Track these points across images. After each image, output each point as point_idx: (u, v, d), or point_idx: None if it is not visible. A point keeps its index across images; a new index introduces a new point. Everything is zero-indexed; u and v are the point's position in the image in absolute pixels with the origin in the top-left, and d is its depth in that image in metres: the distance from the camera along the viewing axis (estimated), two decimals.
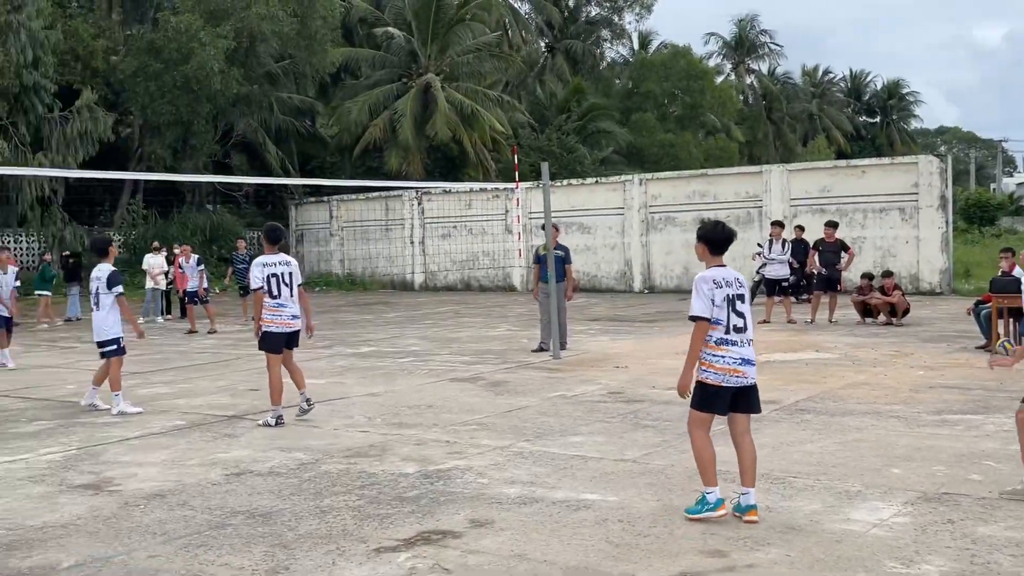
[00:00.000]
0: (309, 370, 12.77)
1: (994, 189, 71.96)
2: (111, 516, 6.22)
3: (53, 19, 29.54)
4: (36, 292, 21.50)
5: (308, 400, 9.48)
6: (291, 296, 9.31)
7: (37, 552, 5.50)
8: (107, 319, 10.16)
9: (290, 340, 9.43)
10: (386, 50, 38.10)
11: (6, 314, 14.03)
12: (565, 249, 14.56)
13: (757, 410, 6.00)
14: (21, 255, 31.70)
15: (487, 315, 21.77)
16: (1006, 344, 13.01)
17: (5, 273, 14.24)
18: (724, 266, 5.98)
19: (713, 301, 5.78)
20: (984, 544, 5.24)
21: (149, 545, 5.60)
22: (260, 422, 9.16)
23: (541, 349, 14.29)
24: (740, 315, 5.83)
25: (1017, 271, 13.50)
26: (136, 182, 33.39)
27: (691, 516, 5.78)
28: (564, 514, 6.01)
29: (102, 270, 10.20)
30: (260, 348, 9.42)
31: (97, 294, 10.17)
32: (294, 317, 9.34)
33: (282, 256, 9.48)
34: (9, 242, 30.80)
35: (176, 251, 21.57)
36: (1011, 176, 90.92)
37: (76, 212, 31.84)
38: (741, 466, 5.92)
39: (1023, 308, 12.95)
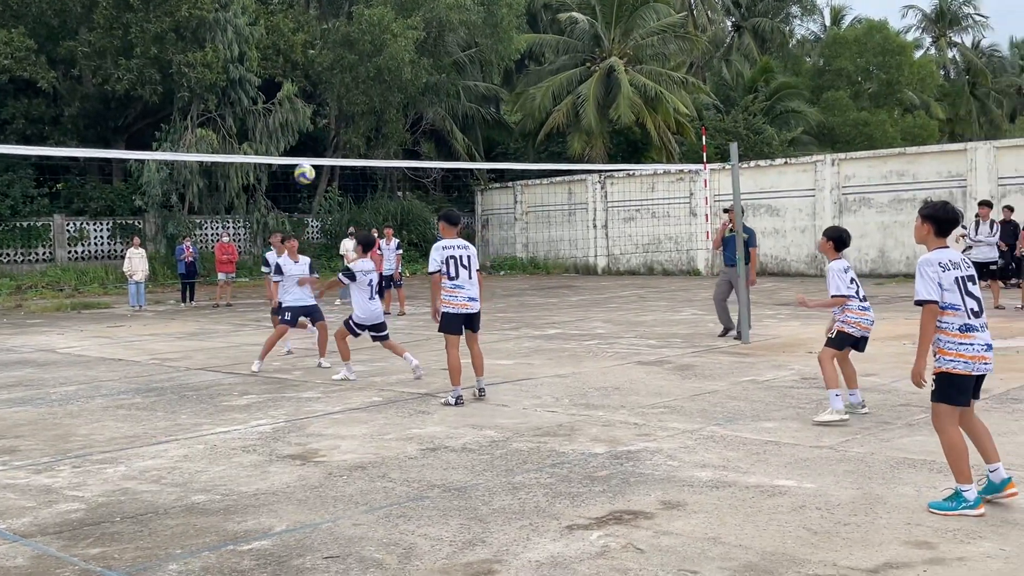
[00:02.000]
0: (496, 351, 13.06)
1: None
2: (317, 485, 6.55)
3: (256, 15, 31.18)
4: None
5: (482, 389, 9.59)
6: (469, 279, 9.38)
7: (251, 517, 5.86)
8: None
9: (469, 322, 9.51)
10: (570, 35, 38.20)
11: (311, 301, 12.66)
12: (751, 232, 14.23)
13: (977, 396, 5.68)
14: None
15: (671, 299, 21.56)
16: None
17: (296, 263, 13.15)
18: (947, 247, 5.65)
19: (941, 284, 5.46)
20: None
21: (353, 514, 5.86)
22: (442, 401, 9.41)
23: (726, 332, 14.04)
24: (975, 298, 5.53)
25: None
26: (332, 171, 34.89)
27: (943, 512, 5.45)
28: (758, 499, 5.90)
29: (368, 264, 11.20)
30: (439, 330, 9.53)
31: (370, 285, 11.05)
32: (471, 299, 9.39)
33: (460, 240, 9.59)
34: (218, 227, 32.83)
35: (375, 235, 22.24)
36: None
37: (278, 199, 33.57)
38: (981, 446, 5.64)
39: None
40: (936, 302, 5.45)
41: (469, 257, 9.45)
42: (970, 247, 17.85)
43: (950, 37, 60.86)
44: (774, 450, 7.13)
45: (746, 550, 5.01)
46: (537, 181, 35.05)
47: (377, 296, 11.22)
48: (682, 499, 5.95)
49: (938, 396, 5.54)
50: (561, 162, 32.36)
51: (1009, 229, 18.06)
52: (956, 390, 5.50)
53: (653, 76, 36.42)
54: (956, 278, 5.48)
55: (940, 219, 5.61)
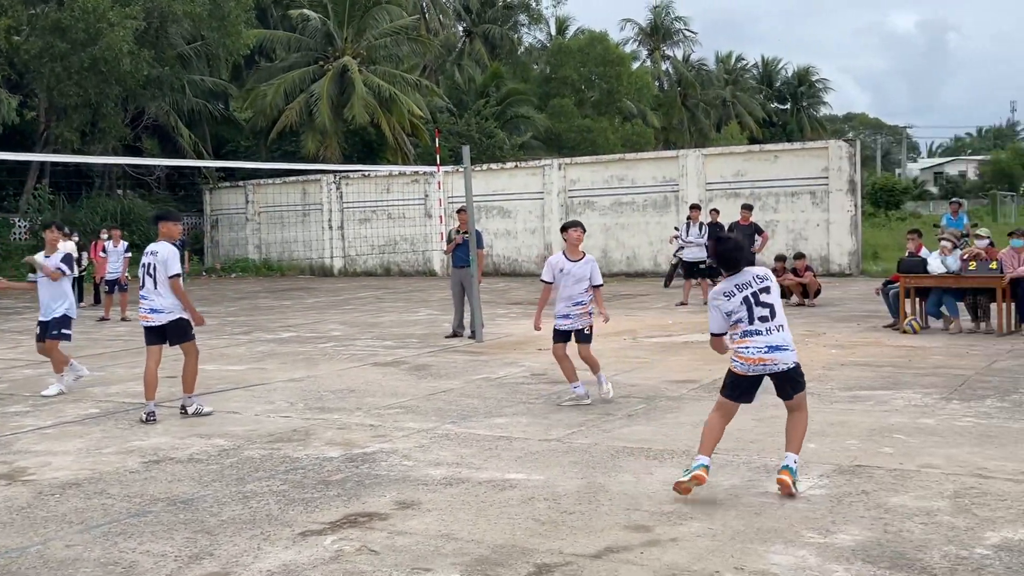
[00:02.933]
0: (227, 357, 12.62)
1: (899, 174, 74.15)
2: (25, 506, 6.05)
3: None
4: None
5: (184, 407, 8.86)
6: (155, 288, 8.64)
7: None
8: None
9: (158, 334, 8.72)
10: (302, 32, 37.51)
11: None
12: (479, 233, 14.57)
13: (799, 389, 6.17)
14: None
15: (408, 300, 21.69)
16: (914, 323, 13.51)
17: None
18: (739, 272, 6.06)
19: (729, 314, 6.00)
20: (896, 513, 5.43)
21: (66, 535, 5.46)
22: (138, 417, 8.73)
23: (454, 335, 14.25)
24: (767, 306, 5.99)
25: (923, 252, 13.97)
26: (43, 166, 32.35)
27: (681, 480, 5.86)
28: (490, 494, 6.05)
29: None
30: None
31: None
32: (153, 311, 8.65)
33: (152, 245, 8.81)
34: None
35: (103, 236, 20.74)
36: (915, 162, 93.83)
37: None
38: (787, 434, 6.18)
39: (929, 288, 13.43)
40: (723, 335, 6.11)
41: (155, 265, 8.63)
42: (682, 247, 19.19)
43: (663, 50, 65.12)
44: (506, 445, 7.34)
45: (478, 544, 5.12)
46: (270, 181, 34.17)
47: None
48: (417, 498, 6.00)
49: (721, 390, 6.20)
50: (295, 161, 31.67)
51: (716, 230, 19.55)
52: (731, 386, 6.10)
53: (387, 77, 36.47)
54: (744, 297, 5.98)
55: (721, 258, 6.12)
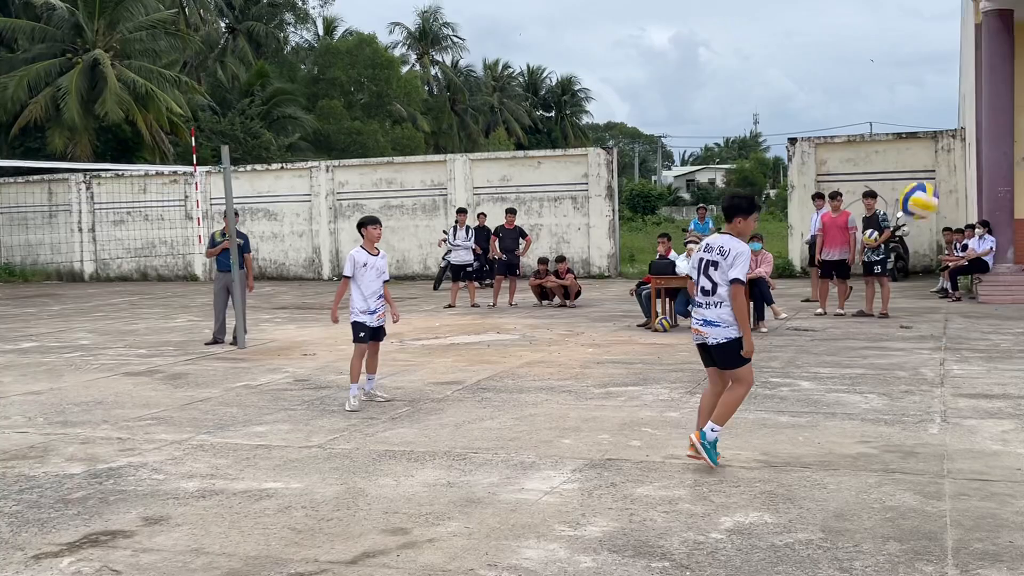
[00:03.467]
0: None
1: (655, 181, 78.23)
2: None
3: None
4: None
5: None
6: None
7: None
8: None
9: None
10: (47, 22, 35.04)
11: None
12: (245, 237, 14.16)
13: (722, 367, 6.42)
14: None
15: (167, 306, 20.73)
16: (664, 322, 14.25)
17: None
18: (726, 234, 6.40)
19: (692, 274, 6.50)
20: (641, 503, 5.71)
21: None
22: None
23: (215, 341, 13.78)
24: (709, 279, 6.31)
25: (672, 255, 14.78)
26: None
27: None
28: (245, 504, 5.87)
29: None
30: None
31: None
32: None
33: None
34: None
35: None
36: (669, 169, 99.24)
37: None
38: (704, 409, 6.56)
39: (678, 288, 14.21)
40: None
41: None
42: (450, 250, 19.38)
43: (432, 55, 65.63)
44: (264, 453, 7.15)
45: (230, 557, 4.96)
46: (11, 179, 31.71)
47: None
48: (166, 513, 5.73)
49: None
50: (40, 159, 29.55)
51: (483, 234, 19.89)
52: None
53: (143, 73, 34.71)
54: (699, 259, 6.44)
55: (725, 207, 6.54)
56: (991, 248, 17.36)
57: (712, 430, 6.37)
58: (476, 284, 19.89)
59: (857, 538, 4.98)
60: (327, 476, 6.48)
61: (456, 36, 66.33)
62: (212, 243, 14.05)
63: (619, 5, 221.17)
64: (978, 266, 17.38)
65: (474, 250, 19.15)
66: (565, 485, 6.13)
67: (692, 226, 21.49)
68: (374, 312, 8.90)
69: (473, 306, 18.27)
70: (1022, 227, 18.60)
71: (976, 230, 17.75)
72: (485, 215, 21.39)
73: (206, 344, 13.72)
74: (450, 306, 18.36)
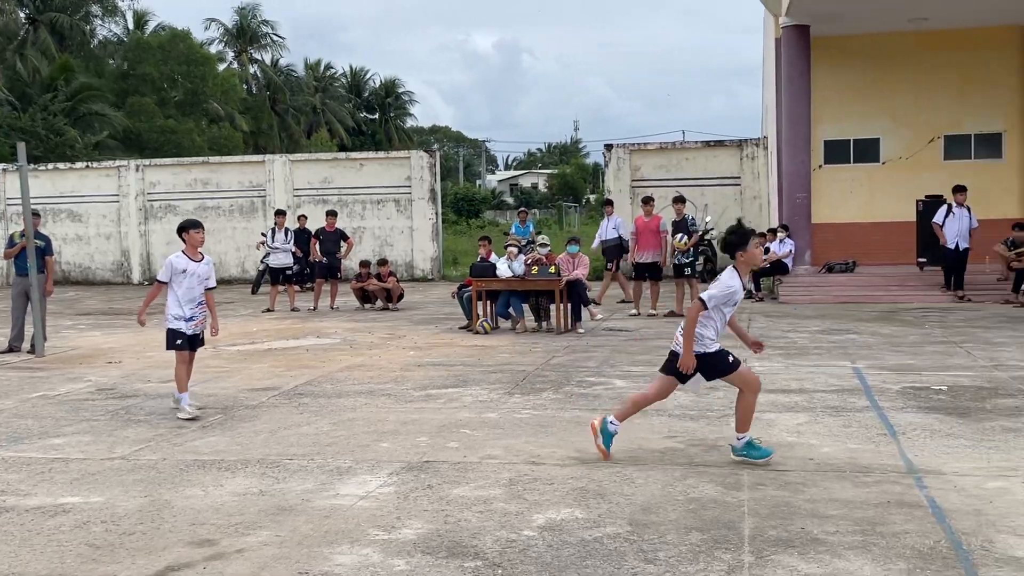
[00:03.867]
0: None
1: (479, 184, 78.92)
2: None
3: None
4: None
5: None
6: None
7: None
8: None
9: None
10: None
11: None
12: (46, 239, 13.38)
13: (707, 378, 6.55)
14: None
15: None
16: (485, 324, 14.37)
17: None
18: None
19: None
20: (457, 504, 5.72)
21: None
22: None
23: (11, 350, 12.95)
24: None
25: (493, 257, 14.93)
26: None
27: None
28: (39, 521, 5.53)
29: None
30: None
31: None
32: None
33: None
34: None
35: None
36: (493, 173, 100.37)
37: None
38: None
39: (498, 290, 14.37)
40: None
41: None
42: (269, 253, 18.92)
43: (251, 54, 63.94)
44: (61, 467, 6.76)
45: None
46: None
47: None
48: None
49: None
50: None
51: (303, 236, 19.53)
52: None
53: None
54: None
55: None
56: (791, 251, 18.39)
57: (738, 439, 6.53)
58: (296, 287, 19.50)
59: (662, 530, 5.16)
60: (130, 489, 6.18)
61: (276, 35, 64.86)
62: (10, 244, 13.23)
63: (444, 9, 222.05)
64: (779, 268, 18.38)
65: (294, 253, 18.77)
66: (381, 489, 6.08)
67: (513, 229, 21.78)
68: (191, 319, 8.55)
69: (293, 310, 17.90)
70: (818, 231, 19.81)
71: (777, 234, 18.76)
72: (306, 217, 21.02)
73: (1, 353, 12.88)
74: (269, 310, 17.93)
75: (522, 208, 30.05)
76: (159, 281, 8.60)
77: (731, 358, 6.43)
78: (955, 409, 8.07)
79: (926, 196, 18.85)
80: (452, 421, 8.07)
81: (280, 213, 19.44)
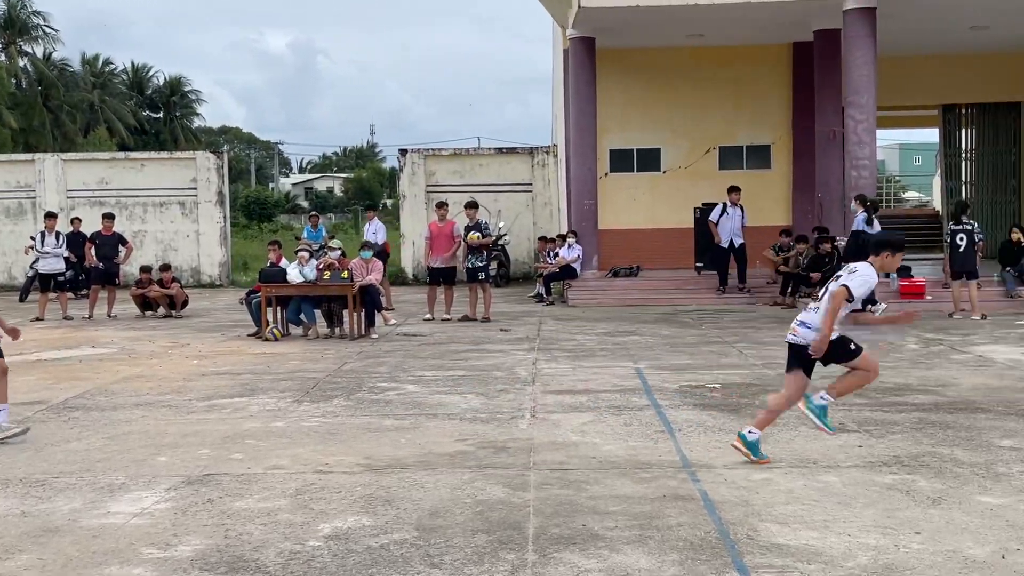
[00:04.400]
0: None
1: (273, 188, 77.05)
2: None
3: None
4: None
5: None
6: None
7: None
8: None
9: None
10: None
11: None
12: None
13: (828, 362, 6.46)
14: None
15: None
16: (275, 330, 14.02)
17: None
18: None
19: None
20: (239, 517, 5.53)
21: None
22: None
23: None
24: (826, 290, 6.40)
25: (284, 262, 14.60)
26: None
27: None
28: None
29: None
30: None
31: None
32: None
33: None
34: None
35: None
36: (287, 176, 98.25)
37: None
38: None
39: (290, 296, 14.05)
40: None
41: None
42: (38, 258, 17.73)
43: (20, 46, 59.81)
44: None
45: None
46: None
47: None
48: None
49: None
50: None
51: (77, 240, 18.43)
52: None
53: None
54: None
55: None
56: (579, 256, 18.94)
57: (822, 397, 6.48)
58: (70, 295, 18.37)
59: (449, 533, 5.17)
60: None
61: (48, 27, 60.94)
62: None
63: (236, 7, 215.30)
64: (568, 272, 18.90)
65: (67, 258, 17.68)
66: (157, 505, 5.79)
67: (305, 234, 21.36)
68: None
69: (66, 318, 16.84)
70: (605, 237, 20.49)
71: (567, 239, 19.29)
72: (80, 220, 19.85)
73: None
74: (38, 319, 16.80)
75: (313, 212, 29.54)
76: None
77: (853, 345, 6.45)
78: (727, 406, 8.54)
79: (703, 203, 19.86)
80: (237, 432, 7.80)
81: (50, 216, 18.24)
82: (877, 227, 15.31)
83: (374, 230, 18.30)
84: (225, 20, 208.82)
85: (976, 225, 15.68)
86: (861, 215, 15.56)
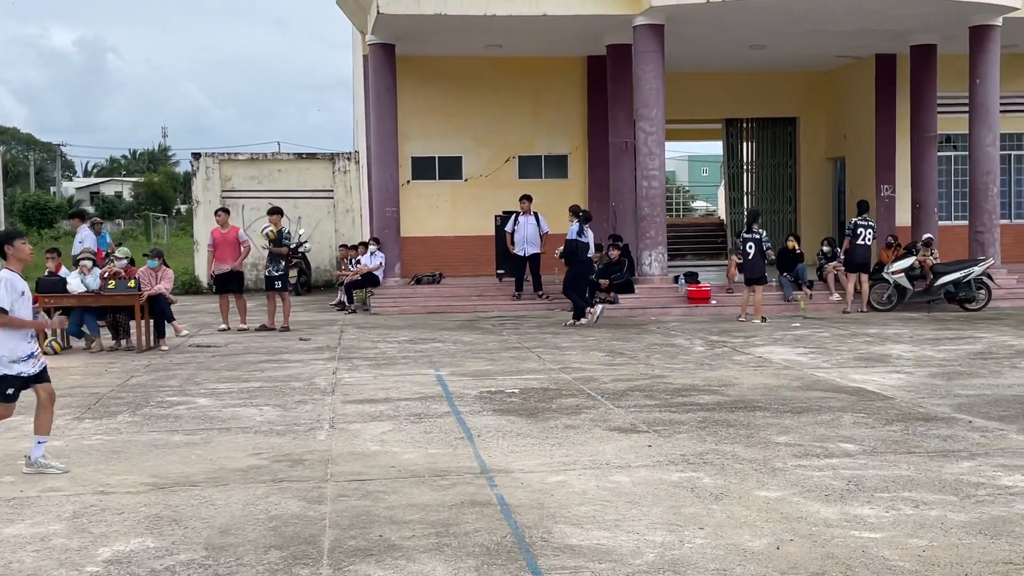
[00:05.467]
0: None
1: (54, 192, 72.60)
2: None
3: None
4: None
5: None
6: None
7: None
8: None
9: None
10: None
11: None
12: None
13: None
14: None
15: None
16: (54, 344, 13.22)
17: None
18: None
19: None
20: (9, 544, 5.15)
21: None
22: None
23: None
24: None
25: (63, 271, 13.76)
26: None
27: None
28: None
29: None
30: None
31: None
32: None
33: None
34: None
35: None
36: (71, 180, 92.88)
37: None
38: None
39: (72, 307, 13.25)
40: None
41: None
42: None
43: None
44: None
45: None
46: None
47: None
48: None
49: None
50: None
51: None
52: None
53: None
54: None
55: None
56: (381, 263, 18.82)
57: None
58: None
59: (240, 551, 5.00)
60: None
61: None
62: None
63: (15, 0, 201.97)
64: (370, 280, 18.73)
65: None
66: None
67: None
68: (32, 356, 6.77)
69: None
70: (407, 244, 20.46)
71: (369, 247, 19.12)
72: None
73: None
74: None
75: (95, 218, 27.97)
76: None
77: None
78: (525, 410, 8.68)
79: (503, 212, 20.15)
80: (9, 453, 7.27)
81: None
82: (590, 235, 16.16)
83: (80, 239, 17.38)
84: (5, 15, 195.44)
85: (764, 233, 16.50)
86: (575, 225, 16.18)
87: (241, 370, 11.35)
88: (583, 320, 15.58)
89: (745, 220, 17.41)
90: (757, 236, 15.96)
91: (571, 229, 16.03)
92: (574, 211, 16.35)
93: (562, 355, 12.19)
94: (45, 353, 12.66)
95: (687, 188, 59.07)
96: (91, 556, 4.97)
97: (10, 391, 6.65)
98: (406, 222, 20.51)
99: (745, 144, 26.10)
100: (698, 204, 54.43)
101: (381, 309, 18.15)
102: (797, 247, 18.01)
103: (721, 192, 34.85)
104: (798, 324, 15.46)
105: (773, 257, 17.39)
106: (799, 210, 25.24)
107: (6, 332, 6.63)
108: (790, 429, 7.78)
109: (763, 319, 15.69)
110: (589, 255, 16.26)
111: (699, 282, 17.90)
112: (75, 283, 13.14)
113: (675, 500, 5.83)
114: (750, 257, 15.89)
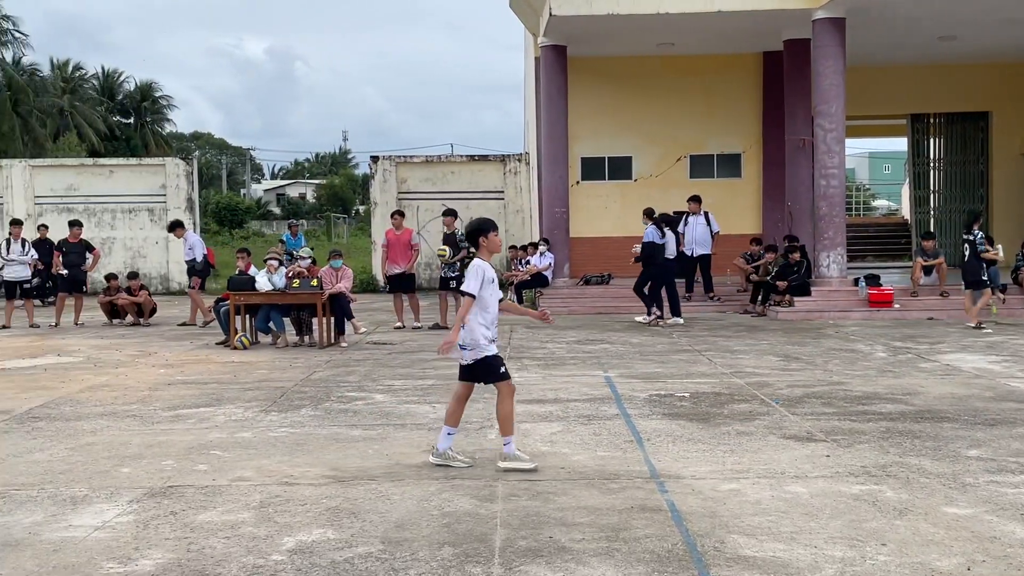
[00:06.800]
0: None
1: (244, 194, 76.59)
2: None
3: None
4: None
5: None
6: None
7: None
8: None
9: None
10: None
11: None
12: None
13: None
14: None
15: None
16: (243, 339, 13.92)
17: None
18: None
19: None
20: (202, 531, 5.45)
21: None
22: None
23: None
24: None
25: (252, 270, 14.49)
26: None
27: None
28: None
29: None
30: None
31: None
32: None
33: None
34: None
35: None
36: (259, 183, 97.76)
37: None
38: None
39: (258, 304, 13.94)
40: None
41: None
42: (3, 266, 17.51)
43: None
44: None
45: None
46: None
47: None
48: None
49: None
50: None
51: (45, 247, 18.25)
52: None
53: None
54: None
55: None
56: (550, 264, 18.94)
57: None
58: (37, 302, 18.16)
59: (415, 547, 5.12)
60: None
61: (18, 31, 60.33)
62: None
63: (214, 13, 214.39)
64: (539, 280, 18.88)
65: (34, 265, 17.48)
66: (119, 518, 5.70)
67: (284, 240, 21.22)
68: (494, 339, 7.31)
69: (32, 326, 16.64)
70: (576, 245, 20.52)
71: (539, 247, 19.28)
72: (47, 227, 19.66)
73: None
74: (4, 327, 16.58)
75: (292, 220, 29.33)
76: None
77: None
78: (696, 415, 8.54)
79: (673, 212, 19.93)
80: (202, 442, 7.71)
81: (16, 223, 18.01)
82: (670, 237, 15.93)
83: (190, 246, 17.44)
84: (202, 26, 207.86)
85: (981, 235, 15.33)
86: (650, 227, 15.78)
87: (415, 367, 11.65)
88: (645, 319, 15.83)
89: (964, 221, 16.53)
90: (971, 238, 15.04)
91: (647, 231, 15.84)
92: (648, 214, 16.19)
93: (734, 358, 11.94)
94: (234, 348, 13.45)
95: (867, 186, 56.75)
96: (276, 545, 5.20)
97: (502, 369, 7.02)
98: (575, 222, 20.57)
99: (932, 140, 24.88)
100: (879, 203, 52.26)
101: (550, 309, 18.26)
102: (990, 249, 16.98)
103: (905, 190, 33.33)
104: (990, 330, 14.58)
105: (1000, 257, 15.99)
106: (991, 209, 23.84)
107: (476, 317, 6.92)
108: (982, 442, 7.34)
109: (979, 325, 14.74)
110: (668, 256, 16.08)
111: (881, 284, 17.16)
112: (263, 282, 13.82)
113: (855, 514, 5.60)
114: (964, 259, 15.13)
